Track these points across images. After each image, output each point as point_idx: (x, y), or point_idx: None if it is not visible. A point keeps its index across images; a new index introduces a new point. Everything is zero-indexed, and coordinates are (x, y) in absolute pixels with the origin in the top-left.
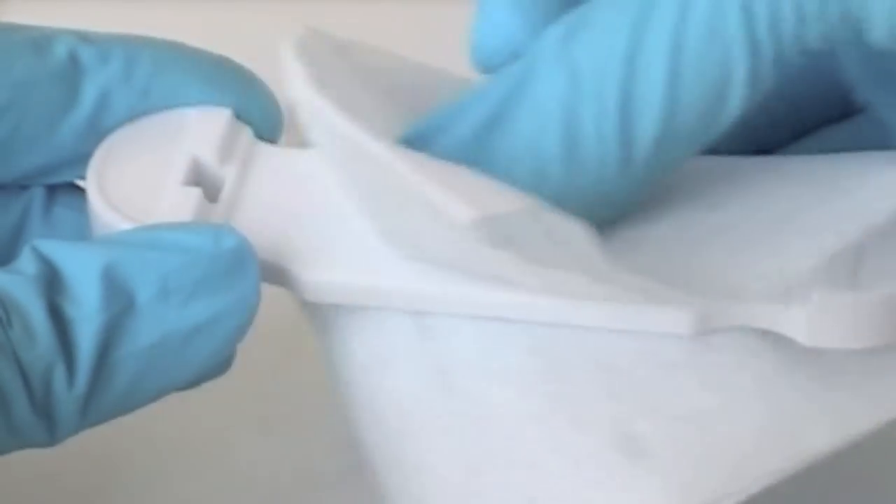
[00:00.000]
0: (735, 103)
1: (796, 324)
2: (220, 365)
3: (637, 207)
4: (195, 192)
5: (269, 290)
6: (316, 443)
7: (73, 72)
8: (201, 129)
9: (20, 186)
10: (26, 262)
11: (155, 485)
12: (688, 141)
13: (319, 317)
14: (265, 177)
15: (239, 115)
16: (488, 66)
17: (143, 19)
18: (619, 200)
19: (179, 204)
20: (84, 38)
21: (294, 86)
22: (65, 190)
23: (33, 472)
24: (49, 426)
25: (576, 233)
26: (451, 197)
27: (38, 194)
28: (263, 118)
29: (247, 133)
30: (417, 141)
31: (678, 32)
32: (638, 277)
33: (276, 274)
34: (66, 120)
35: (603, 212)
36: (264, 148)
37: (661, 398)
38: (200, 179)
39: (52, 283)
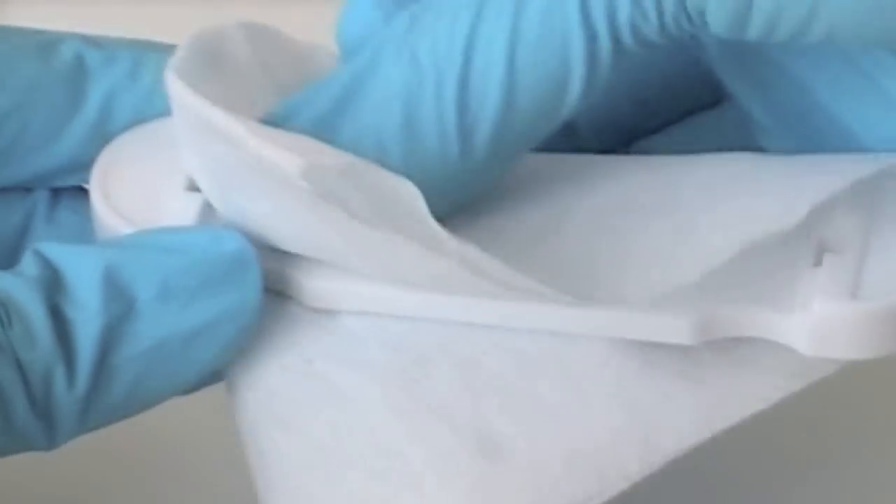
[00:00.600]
0: (574, 92)
1: (797, 333)
2: (221, 369)
3: (481, 199)
4: (198, 197)
5: None
6: None
7: (78, 75)
8: None
9: (25, 189)
10: (28, 265)
11: (153, 488)
12: (528, 129)
13: None
14: None
15: None
16: (348, 52)
17: (141, 19)
18: (460, 189)
19: (182, 208)
20: (90, 41)
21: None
22: (69, 193)
23: (30, 475)
24: (48, 429)
25: (404, 192)
26: (281, 150)
27: (42, 197)
28: None
29: None
30: (272, 123)
31: (516, 19)
32: (468, 247)
33: (278, 279)
34: (72, 123)
35: (443, 200)
36: None
37: (520, 397)
38: None
39: (53, 286)
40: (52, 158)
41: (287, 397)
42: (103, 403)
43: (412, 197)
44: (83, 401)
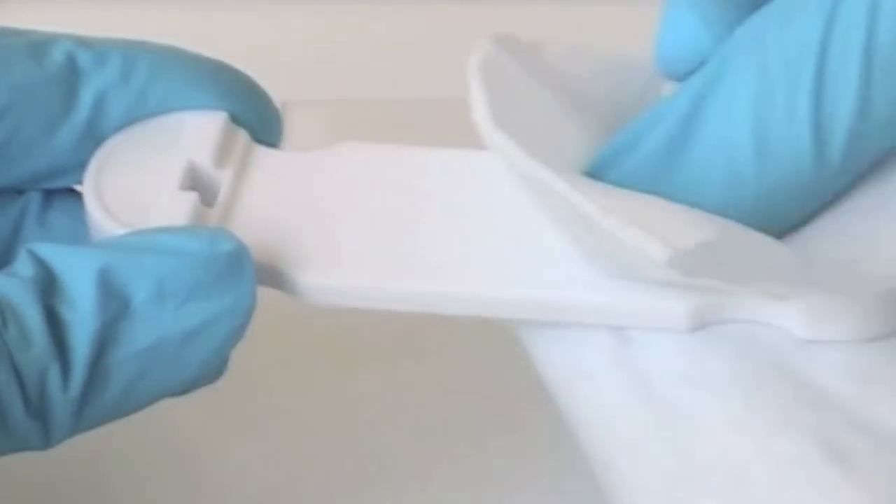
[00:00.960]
0: None
1: (794, 316)
2: (214, 371)
3: (829, 203)
4: (191, 197)
5: (262, 296)
6: (306, 449)
7: (70, 76)
8: (197, 133)
9: (16, 190)
10: (23, 265)
11: (143, 491)
12: (882, 134)
13: (525, 331)
14: (262, 180)
15: (237, 120)
16: (674, 74)
17: (141, 20)
18: (811, 200)
19: (176, 208)
20: (82, 42)
21: (475, 116)
22: (61, 194)
23: (23, 476)
24: (43, 429)
25: (768, 248)
26: (644, 237)
27: (34, 199)
28: (261, 122)
29: (242, 136)
30: (609, 160)
31: (871, 21)
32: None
33: (273, 277)
34: (64, 124)
35: (795, 212)
36: (261, 151)
37: (861, 413)
38: (197, 183)
39: (48, 286)
40: (44, 160)
41: (629, 419)
42: (98, 404)
43: (777, 250)
44: (78, 401)
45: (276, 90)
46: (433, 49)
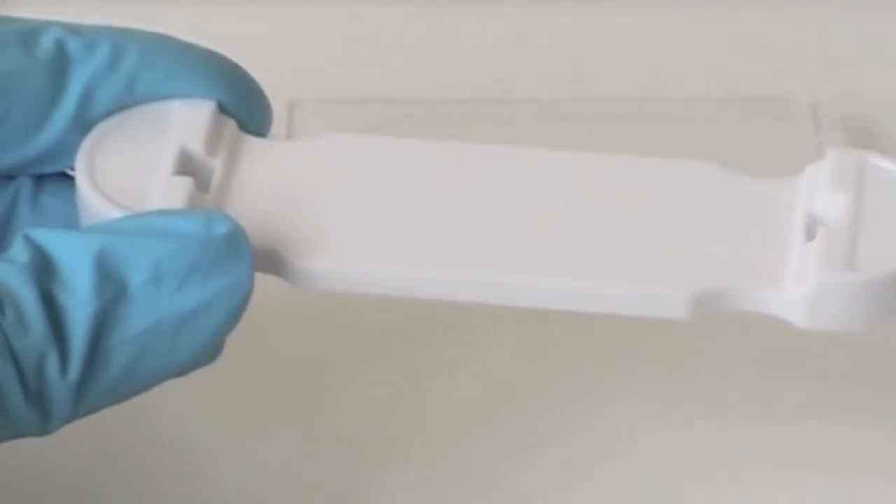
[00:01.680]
0: None
1: (795, 306)
2: (211, 353)
3: None
4: (186, 181)
5: (266, 289)
6: (311, 443)
7: (60, 63)
8: (187, 120)
9: (8, 176)
10: (19, 251)
11: (146, 483)
12: None
13: None
14: (252, 167)
15: (226, 108)
16: None
17: (145, 19)
18: None
19: (172, 192)
20: (72, 29)
21: None
22: (52, 178)
23: (24, 475)
24: (42, 415)
25: None
26: None
27: (25, 183)
28: (250, 111)
29: (231, 125)
30: None
31: None
32: None
33: (271, 262)
34: (54, 111)
35: None
36: (249, 139)
37: None
38: (189, 169)
39: (44, 271)
40: (35, 146)
41: None
42: (97, 388)
43: None
44: (76, 386)
45: (284, 90)
46: (439, 49)
